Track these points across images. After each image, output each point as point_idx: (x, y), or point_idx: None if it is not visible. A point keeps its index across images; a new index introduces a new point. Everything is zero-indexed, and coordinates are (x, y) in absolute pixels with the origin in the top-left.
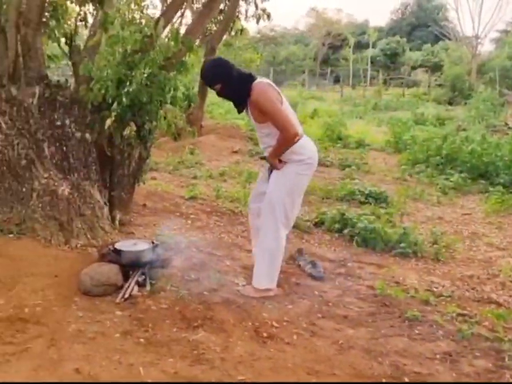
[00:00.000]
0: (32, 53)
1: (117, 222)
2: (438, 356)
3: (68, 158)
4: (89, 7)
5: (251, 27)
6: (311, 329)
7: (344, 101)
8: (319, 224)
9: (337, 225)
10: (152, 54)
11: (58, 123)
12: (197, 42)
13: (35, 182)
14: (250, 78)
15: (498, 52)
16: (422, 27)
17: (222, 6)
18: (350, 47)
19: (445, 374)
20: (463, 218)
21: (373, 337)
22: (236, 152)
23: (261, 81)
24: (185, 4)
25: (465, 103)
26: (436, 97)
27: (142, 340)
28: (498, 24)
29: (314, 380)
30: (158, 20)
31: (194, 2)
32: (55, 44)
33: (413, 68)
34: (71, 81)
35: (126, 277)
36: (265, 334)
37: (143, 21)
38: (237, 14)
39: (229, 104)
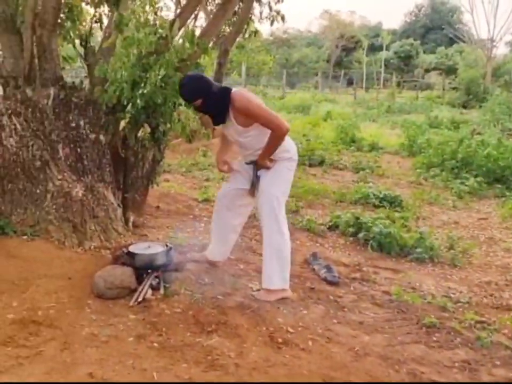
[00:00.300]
0: (47, 54)
1: (130, 224)
2: (456, 364)
3: (82, 159)
4: (104, 9)
5: (264, 29)
6: (326, 335)
7: (357, 103)
8: (333, 227)
9: (351, 229)
10: (167, 56)
11: (73, 124)
12: (211, 44)
13: (49, 183)
14: (227, 89)
15: None
16: (436, 29)
17: (236, 8)
18: (363, 49)
19: None
20: (479, 223)
21: (390, 344)
22: None
23: (239, 90)
24: (199, 5)
25: (480, 106)
26: (450, 100)
27: (155, 344)
28: None
29: None
30: (173, 22)
31: (208, 4)
32: (70, 45)
33: (427, 71)
34: (86, 82)
35: (140, 280)
36: (280, 340)
37: (158, 23)
38: (251, 15)
39: None
